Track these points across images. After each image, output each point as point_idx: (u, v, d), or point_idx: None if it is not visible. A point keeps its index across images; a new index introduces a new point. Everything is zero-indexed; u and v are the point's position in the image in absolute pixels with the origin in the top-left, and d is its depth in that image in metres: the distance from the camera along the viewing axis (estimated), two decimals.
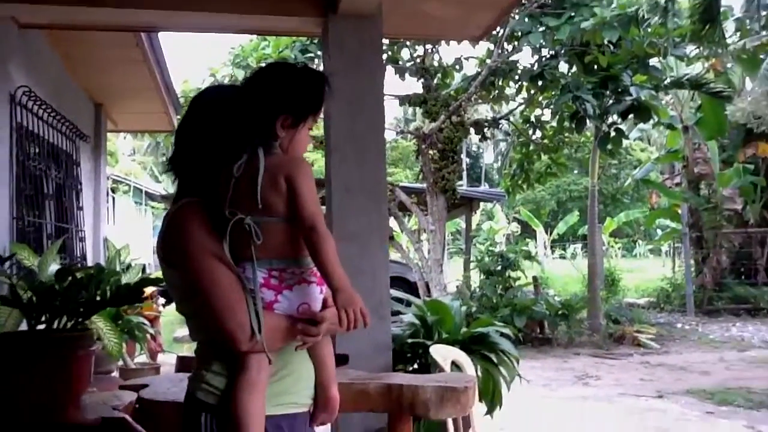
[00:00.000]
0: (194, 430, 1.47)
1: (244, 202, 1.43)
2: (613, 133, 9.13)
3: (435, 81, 10.18)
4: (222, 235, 1.43)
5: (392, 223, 10.38)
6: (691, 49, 9.83)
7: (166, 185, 26.45)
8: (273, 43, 9.66)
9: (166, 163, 1.59)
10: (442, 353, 3.27)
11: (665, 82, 9.76)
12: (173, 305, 1.64)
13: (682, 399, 6.28)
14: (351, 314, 1.41)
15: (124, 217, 18.81)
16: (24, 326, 2.43)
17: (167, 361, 6.65)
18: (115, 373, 4.69)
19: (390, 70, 9.85)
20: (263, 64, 1.63)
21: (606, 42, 8.20)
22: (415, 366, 3.61)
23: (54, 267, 2.97)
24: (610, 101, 8.71)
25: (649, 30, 8.54)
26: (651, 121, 9.73)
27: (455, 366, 3.28)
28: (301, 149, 1.55)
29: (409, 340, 3.64)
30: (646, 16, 8.00)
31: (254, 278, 1.42)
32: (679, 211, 13.69)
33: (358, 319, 1.42)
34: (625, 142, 12.52)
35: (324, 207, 3.67)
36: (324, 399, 1.61)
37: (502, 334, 3.81)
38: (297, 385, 1.54)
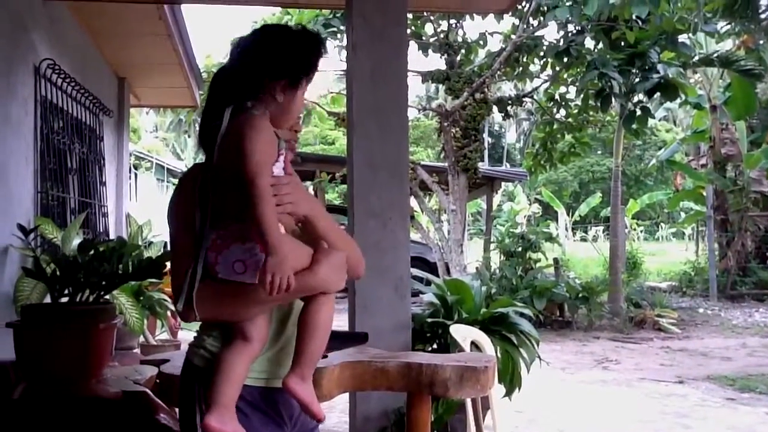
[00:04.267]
0: (188, 394, 1.48)
1: (212, 162, 1.43)
2: (638, 112, 8.94)
3: (458, 57, 10.05)
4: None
5: (413, 202, 10.33)
6: (722, 25, 9.55)
7: (188, 162, 26.60)
8: (296, 16, 9.58)
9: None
10: (462, 333, 3.25)
11: (694, 60, 9.52)
12: None
13: (703, 385, 6.21)
14: (276, 281, 1.33)
15: (146, 194, 19.01)
16: (48, 299, 2.45)
17: (188, 338, 6.72)
18: (137, 350, 4.75)
19: (413, 46, 9.72)
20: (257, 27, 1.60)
21: (634, 17, 8.01)
22: (435, 346, 3.59)
23: (77, 241, 2.99)
24: (637, 79, 8.52)
25: (680, 5, 8.31)
26: (678, 100, 9.51)
27: (475, 346, 3.27)
28: (295, 110, 1.53)
29: (429, 320, 3.62)
30: None
31: (204, 242, 1.40)
32: (704, 194, 13.44)
33: (282, 287, 1.33)
34: (650, 122, 12.28)
35: (346, 184, 3.64)
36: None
37: (522, 315, 3.78)
38: (289, 360, 1.50)
